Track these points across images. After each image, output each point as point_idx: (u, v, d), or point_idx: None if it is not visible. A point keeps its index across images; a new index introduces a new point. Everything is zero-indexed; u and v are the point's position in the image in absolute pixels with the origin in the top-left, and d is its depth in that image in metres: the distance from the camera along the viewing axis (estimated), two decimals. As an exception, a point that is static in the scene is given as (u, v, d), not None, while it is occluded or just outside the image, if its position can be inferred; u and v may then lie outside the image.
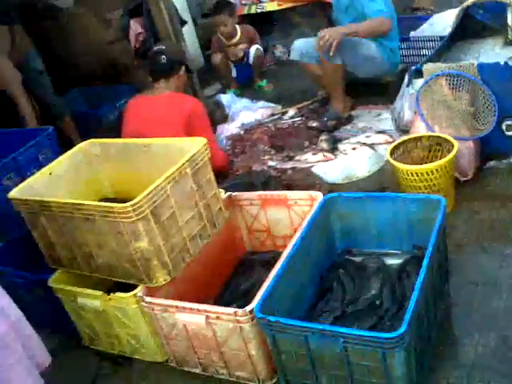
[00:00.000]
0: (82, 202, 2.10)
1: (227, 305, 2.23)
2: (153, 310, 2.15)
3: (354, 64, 3.75)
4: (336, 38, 3.49)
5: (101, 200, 2.52)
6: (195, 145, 2.27)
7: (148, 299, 2.13)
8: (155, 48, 3.43)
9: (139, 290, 2.18)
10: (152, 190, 2.02)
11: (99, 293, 2.26)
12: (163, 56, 3.31)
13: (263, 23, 5.86)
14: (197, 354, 2.20)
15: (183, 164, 2.15)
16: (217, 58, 4.97)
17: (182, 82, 3.48)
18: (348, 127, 3.87)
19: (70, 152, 2.57)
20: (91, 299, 2.29)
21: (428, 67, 2.94)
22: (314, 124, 3.89)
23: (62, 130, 4.11)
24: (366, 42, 3.74)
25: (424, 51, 4.11)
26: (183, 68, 3.43)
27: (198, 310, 2.03)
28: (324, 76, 3.85)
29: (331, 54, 3.53)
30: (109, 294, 2.25)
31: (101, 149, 2.60)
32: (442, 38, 3.84)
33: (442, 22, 4.16)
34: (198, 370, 2.26)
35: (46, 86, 4.08)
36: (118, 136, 3.25)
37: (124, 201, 2.11)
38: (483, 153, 3.01)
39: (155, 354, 2.35)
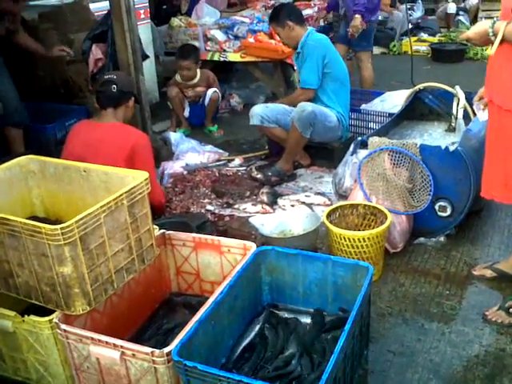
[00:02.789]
0: (10, 216, 2.01)
1: (145, 343, 2.16)
2: (67, 338, 2.06)
3: (317, 133, 3.90)
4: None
5: (30, 218, 2.43)
6: (136, 177, 2.24)
7: (63, 327, 2.04)
8: (106, 77, 3.38)
9: (55, 316, 2.09)
10: (85, 216, 1.97)
11: (12, 313, 2.15)
12: (114, 85, 3.28)
13: (224, 71, 5.99)
14: (106, 390, 2.12)
15: (121, 195, 2.12)
16: (173, 91, 5.01)
17: (130, 113, 3.45)
18: (290, 184, 3.96)
19: (6, 164, 2.47)
20: (2, 319, 2.17)
21: (374, 140, 3.06)
22: (258, 175, 3.96)
23: (8, 139, 4.03)
24: (330, 115, 3.93)
25: (372, 124, 4.27)
26: (133, 99, 3.43)
27: (114, 345, 1.96)
28: (287, 138, 3.97)
29: None
30: (23, 316, 2.15)
31: (39, 166, 2.52)
32: (390, 114, 4.02)
33: (392, 101, 4.35)
34: (104, 408, 2.16)
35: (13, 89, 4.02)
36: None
37: (54, 222, 2.05)
38: (415, 228, 3.13)
39: (63, 384, 2.25)
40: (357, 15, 4.99)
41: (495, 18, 2.26)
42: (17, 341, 2.22)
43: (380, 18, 7.99)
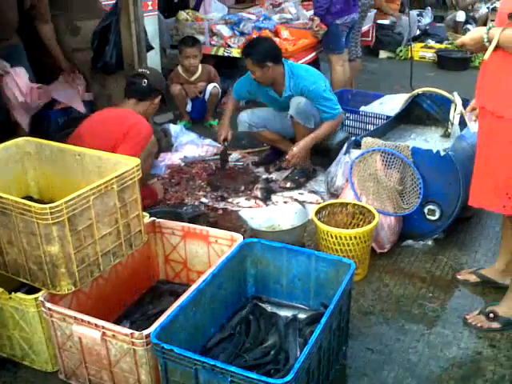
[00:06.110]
0: (2, 194, 2.06)
1: (129, 327, 2.21)
2: (51, 316, 2.11)
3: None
4: (302, 157, 3.81)
5: (24, 198, 2.47)
6: (128, 163, 2.29)
7: (48, 305, 2.10)
8: (139, 70, 3.52)
9: (41, 295, 2.14)
10: (74, 198, 2.02)
11: (-1, 289, 2.21)
12: (145, 80, 3.34)
13: (228, 66, 6.02)
14: (87, 369, 2.17)
15: (111, 179, 2.17)
16: (175, 88, 5.06)
17: (153, 110, 3.50)
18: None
19: (2, 145, 2.53)
20: (-11, 295, 2.23)
21: (367, 141, 3.10)
22: (288, 184, 3.87)
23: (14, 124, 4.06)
24: None
25: (370, 126, 4.29)
26: (159, 97, 3.47)
27: (96, 325, 2.01)
28: (297, 137, 3.88)
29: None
30: (10, 294, 2.20)
31: (36, 148, 2.57)
32: (388, 117, 4.05)
33: (391, 104, 4.38)
34: (85, 387, 2.22)
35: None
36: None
37: (47, 203, 2.10)
38: (403, 230, 3.17)
39: (46, 362, 2.30)
40: (315, 17, 5.06)
41: (490, 24, 2.29)
42: (4, 317, 2.27)
43: (388, 22, 8.06)
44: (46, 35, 4.08)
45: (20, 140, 2.58)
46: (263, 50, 3.73)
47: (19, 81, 3.85)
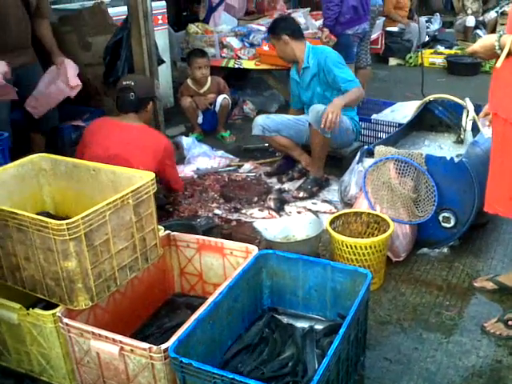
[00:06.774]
0: (19, 211, 2.08)
1: (146, 341, 2.21)
2: (69, 332, 2.12)
3: (334, 136, 3.85)
4: (338, 114, 3.64)
5: (39, 213, 2.50)
6: (143, 177, 2.31)
7: (66, 321, 2.10)
8: (124, 83, 3.42)
9: (59, 310, 2.15)
10: (91, 213, 2.03)
11: (17, 305, 2.22)
12: (132, 93, 3.34)
13: (239, 78, 6.06)
14: (105, 384, 2.17)
15: (127, 194, 2.18)
16: (186, 101, 5.09)
17: (149, 116, 3.59)
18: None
19: (18, 161, 2.55)
20: (8, 311, 2.24)
21: (380, 149, 3.09)
22: (300, 194, 3.87)
23: (32, 142, 4.11)
24: (343, 116, 3.85)
25: (382, 134, 4.30)
26: (151, 103, 3.51)
27: (114, 340, 2.01)
28: (313, 146, 3.90)
29: (336, 127, 3.68)
30: (28, 309, 2.22)
31: (51, 164, 2.60)
32: (400, 124, 4.05)
33: (403, 111, 4.39)
34: (103, 403, 2.22)
35: None
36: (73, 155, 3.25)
37: (63, 219, 2.11)
38: (418, 238, 3.15)
39: (64, 378, 2.29)
40: (324, 29, 5.06)
41: (501, 32, 2.28)
42: (21, 333, 2.28)
43: (397, 29, 8.07)
44: (45, 29, 3.99)
45: (35, 157, 2.61)
46: (279, 23, 4.11)
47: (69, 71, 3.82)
